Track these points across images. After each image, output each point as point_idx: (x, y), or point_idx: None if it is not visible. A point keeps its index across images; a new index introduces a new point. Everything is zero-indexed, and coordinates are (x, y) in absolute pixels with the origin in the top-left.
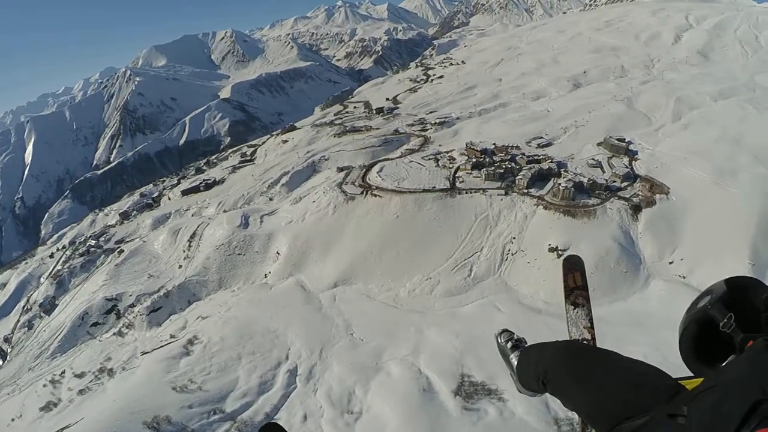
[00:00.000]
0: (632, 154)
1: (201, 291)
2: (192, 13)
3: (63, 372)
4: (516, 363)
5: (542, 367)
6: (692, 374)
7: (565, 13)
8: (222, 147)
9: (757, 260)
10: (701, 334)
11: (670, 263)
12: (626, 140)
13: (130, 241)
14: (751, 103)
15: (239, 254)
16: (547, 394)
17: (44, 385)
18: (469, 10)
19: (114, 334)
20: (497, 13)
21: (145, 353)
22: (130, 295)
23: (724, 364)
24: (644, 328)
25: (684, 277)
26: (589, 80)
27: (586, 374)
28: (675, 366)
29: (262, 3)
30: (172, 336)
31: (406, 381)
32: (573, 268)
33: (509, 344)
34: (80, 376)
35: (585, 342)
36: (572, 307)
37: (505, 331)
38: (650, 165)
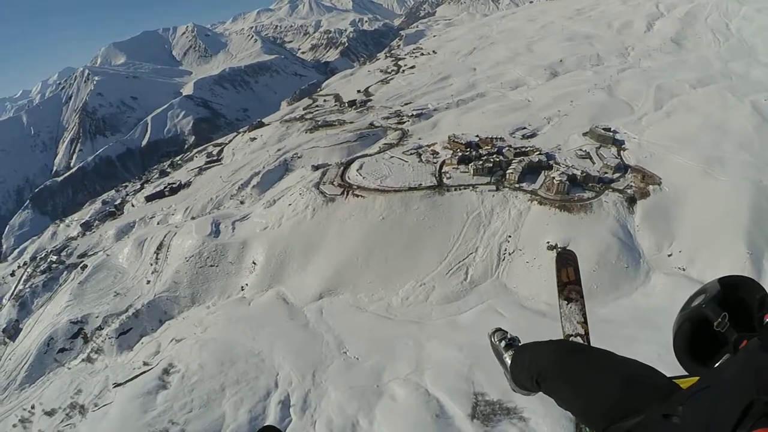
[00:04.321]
0: (619, 144)
1: (173, 308)
2: (152, 8)
3: (33, 407)
4: (510, 362)
5: (535, 367)
6: (687, 373)
7: (532, 2)
8: (186, 147)
9: (753, 249)
10: (695, 333)
11: (669, 256)
12: (612, 129)
13: (93, 254)
14: (730, 91)
15: (212, 266)
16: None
17: (14, 425)
18: (435, 0)
19: (83, 360)
20: (464, 2)
21: (118, 385)
22: (97, 317)
23: (718, 363)
24: (653, 326)
25: (684, 270)
26: (566, 69)
27: (580, 375)
28: None
29: None
30: (145, 363)
31: (414, 405)
32: (566, 262)
33: (503, 343)
34: (50, 413)
35: (579, 337)
36: (566, 302)
37: (498, 330)
38: (639, 155)
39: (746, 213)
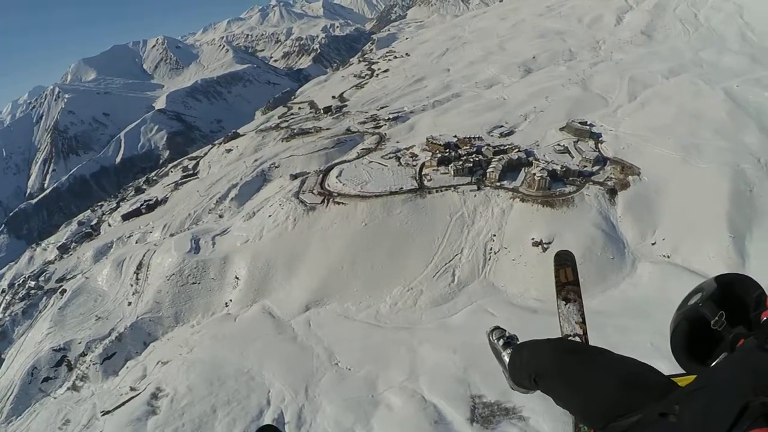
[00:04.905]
0: (597, 137)
1: (157, 329)
2: (122, 23)
3: None
4: (508, 361)
5: (533, 366)
6: (684, 371)
7: (502, 0)
8: (161, 162)
9: (735, 232)
10: (692, 332)
11: (653, 244)
12: (588, 123)
13: (71, 278)
14: (702, 79)
15: (194, 283)
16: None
17: None
18: (406, 3)
19: (68, 389)
20: (434, 4)
21: (106, 413)
22: (79, 343)
23: (715, 362)
24: (643, 315)
25: (668, 257)
26: (540, 65)
27: (577, 374)
28: None
29: (193, 7)
30: (132, 389)
31: (412, 413)
32: (564, 263)
33: (501, 342)
34: None
35: (577, 337)
36: (564, 302)
37: (496, 328)
38: (617, 147)
39: (726, 197)
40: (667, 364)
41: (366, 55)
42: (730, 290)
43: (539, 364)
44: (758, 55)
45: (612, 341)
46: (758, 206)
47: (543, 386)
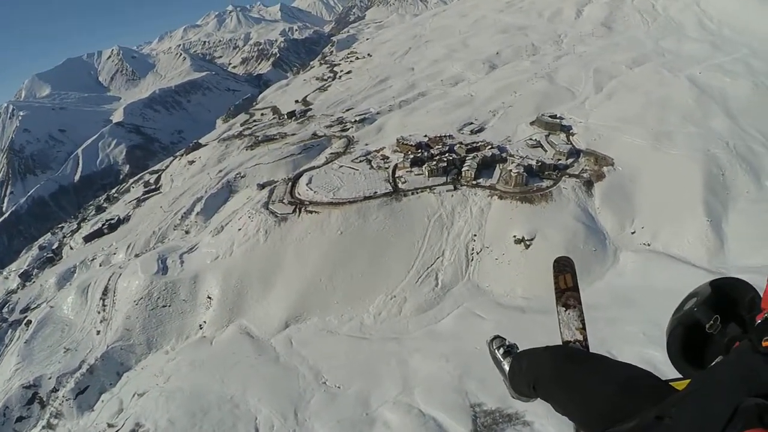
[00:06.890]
0: (567, 130)
1: (129, 358)
2: (75, 36)
3: None
4: (508, 369)
5: (532, 373)
6: (681, 375)
7: None
8: (122, 177)
9: (712, 215)
10: (688, 336)
11: (633, 233)
12: (558, 116)
13: (36, 308)
14: (665, 67)
15: (164, 306)
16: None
17: None
18: (364, 4)
19: (43, 428)
20: (392, 4)
21: None
22: (50, 378)
23: (711, 365)
24: (631, 305)
25: (649, 245)
26: (504, 60)
27: (575, 379)
28: None
29: (147, 15)
30: (110, 425)
31: (411, 430)
32: (563, 269)
33: (501, 350)
34: None
35: (578, 344)
36: (563, 308)
37: (497, 337)
38: (588, 138)
39: (700, 182)
40: (663, 354)
41: (327, 58)
42: (724, 294)
43: (538, 371)
44: (718, 42)
45: (604, 335)
46: (732, 189)
47: (542, 393)
